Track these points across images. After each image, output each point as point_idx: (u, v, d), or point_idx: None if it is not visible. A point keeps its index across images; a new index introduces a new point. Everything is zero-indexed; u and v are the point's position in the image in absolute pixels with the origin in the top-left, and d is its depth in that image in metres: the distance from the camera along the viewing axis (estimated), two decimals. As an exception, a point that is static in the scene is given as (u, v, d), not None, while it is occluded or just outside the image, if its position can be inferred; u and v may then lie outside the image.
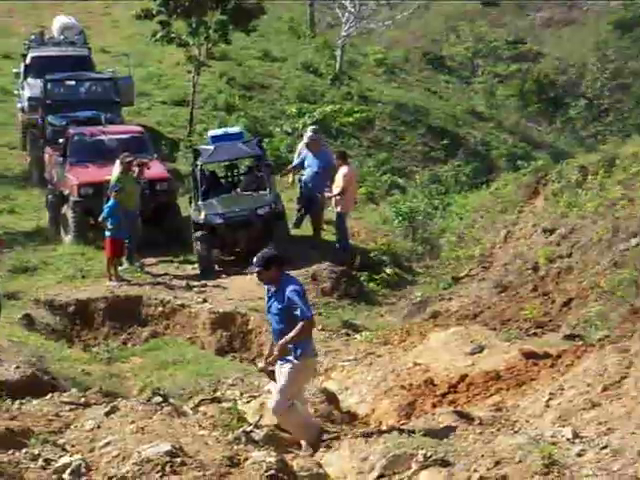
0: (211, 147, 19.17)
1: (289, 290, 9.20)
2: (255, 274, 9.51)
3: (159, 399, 9.64)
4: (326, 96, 32.29)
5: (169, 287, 17.24)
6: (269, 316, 9.59)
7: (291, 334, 9.12)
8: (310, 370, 9.78)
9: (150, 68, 30.74)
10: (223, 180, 20.33)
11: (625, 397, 8.65)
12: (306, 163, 19.08)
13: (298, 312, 9.13)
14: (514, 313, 15.21)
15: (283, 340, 9.18)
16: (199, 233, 18.23)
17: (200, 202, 18.59)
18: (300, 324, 9.10)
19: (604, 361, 9.42)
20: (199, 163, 19.04)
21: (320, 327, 16.09)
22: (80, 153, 20.29)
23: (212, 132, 20.36)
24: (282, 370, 9.39)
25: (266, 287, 9.60)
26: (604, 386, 9.00)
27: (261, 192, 18.91)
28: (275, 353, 9.31)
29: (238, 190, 19.49)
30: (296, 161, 19.96)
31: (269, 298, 9.54)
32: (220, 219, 18.28)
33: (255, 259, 9.43)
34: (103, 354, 15.17)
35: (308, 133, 19.69)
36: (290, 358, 9.30)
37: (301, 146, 20.10)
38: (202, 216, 18.32)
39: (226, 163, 20.55)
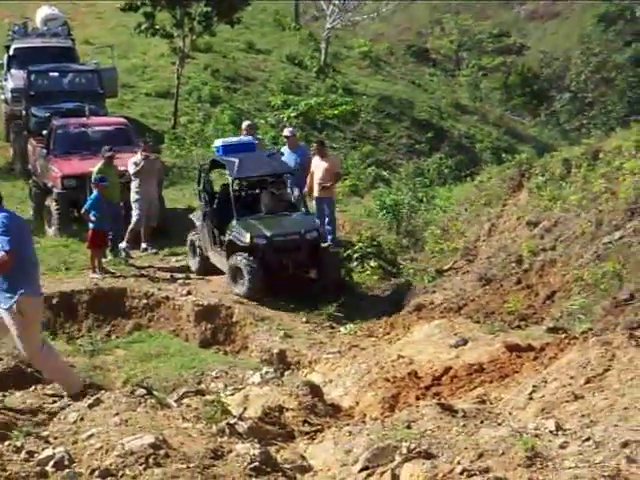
0: (234, 159, 17.48)
1: None
2: None
3: (143, 391, 9.61)
4: (311, 89, 32.29)
5: (153, 279, 17.22)
6: None
7: None
8: (36, 308, 9.85)
9: (134, 60, 30.67)
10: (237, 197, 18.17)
11: (608, 389, 8.68)
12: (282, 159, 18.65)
13: None
14: (498, 306, 15.27)
15: None
16: (244, 255, 16.65)
17: (235, 222, 17.03)
18: None
19: (587, 354, 9.45)
20: (231, 177, 17.41)
21: (304, 320, 16.14)
22: (64, 145, 20.26)
23: (222, 141, 18.59)
24: (7, 317, 9.56)
25: None
26: (587, 378, 9.03)
27: (298, 213, 17.68)
28: None
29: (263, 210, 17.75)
30: None
31: None
32: (267, 242, 16.79)
33: None
34: (87, 346, 15.11)
35: (287, 129, 19.73)
36: (8, 300, 9.48)
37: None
38: (247, 239, 16.74)
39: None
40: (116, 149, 19.38)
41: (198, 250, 17.83)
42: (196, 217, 18.13)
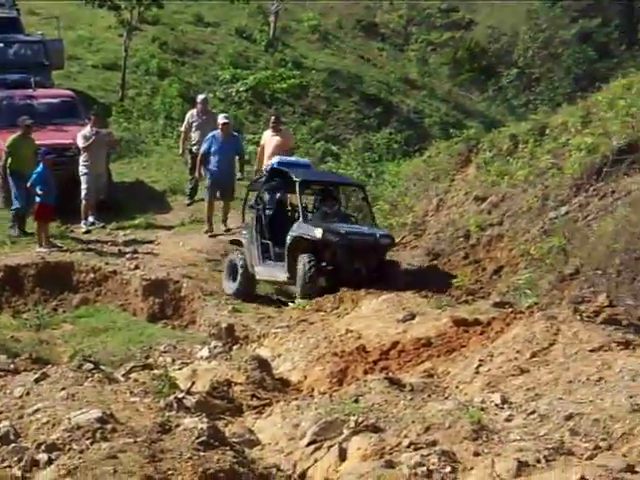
0: (300, 168, 16.76)
1: None
2: None
3: (90, 366, 9.57)
4: (260, 62, 32.10)
5: (100, 254, 17.09)
6: None
7: None
8: None
9: (81, 31, 30.24)
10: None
11: (553, 363, 8.79)
12: (214, 149, 17.83)
13: None
14: (445, 281, 15.37)
15: None
16: (306, 255, 15.16)
17: (302, 220, 15.73)
18: None
19: (533, 328, 9.55)
20: (297, 180, 15.92)
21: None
22: (9, 117, 19.93)
23: (280, 158, 17.13)
24: None
25: None
26: (532, 353, 9.14)
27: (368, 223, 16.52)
28: None
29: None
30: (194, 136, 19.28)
31: None
32: (343, 239, 15.28)
33: None
34: (33, 321, 15.02)
35: (221, 115, 18.79)
36: None
37: (190, 115, 19.66)
38: (318, 233, 15.24)
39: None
40: (63, 121, 19.21)
41: (240, 270, 16.11)
42: (244, 235, 16.53)
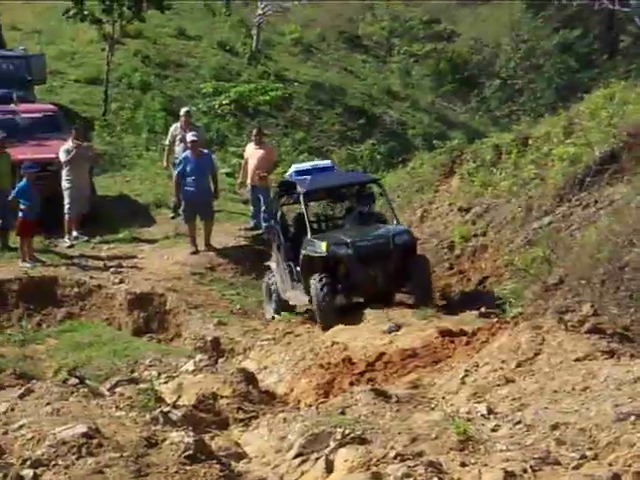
0: (306, 177, 15.30)
1: None
2: None
3: (75, 381, 9.55)
4: (242, 75, 32.13)
5: (84, 268, 17.04)
6: None
7: None
8: None
9: (63, 46, 30.21)
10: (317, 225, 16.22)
11: (538, 373, 8.80)
12: (188, 169, 17.44)
13: None
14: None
15: None
16: (317, 275, 14.02)
17: (310, 236, 14.61)
18: None
19: (518, 338, 9.57)
20: (301, 191, 14.85)
21: (239, 307, 16.12)
22: (-9, 132, 19.91)
23: (296, 166, 16.28)
24: None
25: None
26: (518, 362, 9.15)
27: (387, 225, 15.16)
28: None
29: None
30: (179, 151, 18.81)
31: None
32: (350, 250, 14.09)
33: None
34: (17, 336, 14.95)
35: (190, 134, 18.15)
36: None
37: (174, 129, 19.47)
38: (323, 248, 14.14)
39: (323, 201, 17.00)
40: (46, 136, 19.15)
41: (274, 295, 15.42)
42: (272, 259, 15.77)
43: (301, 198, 14.86)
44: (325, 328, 13.77)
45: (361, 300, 14.65)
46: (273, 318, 15.34)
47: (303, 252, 14.40)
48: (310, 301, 14.35)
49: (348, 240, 14.15)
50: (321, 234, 14.78)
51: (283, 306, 15.33)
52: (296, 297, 14.91)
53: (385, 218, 15.47)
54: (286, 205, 16.40)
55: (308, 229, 14.63)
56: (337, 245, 14.17)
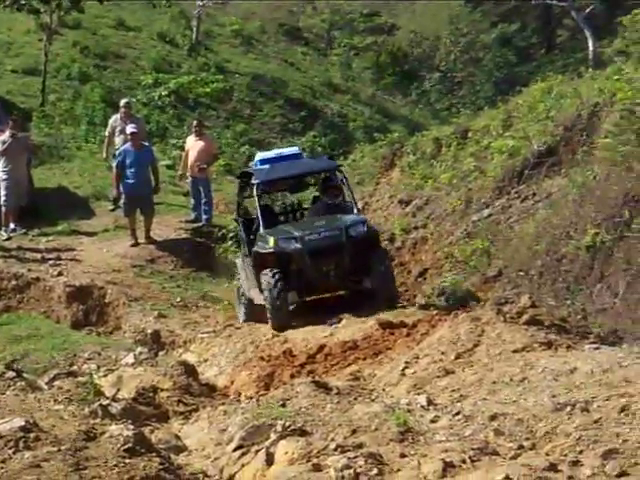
0: (266, 166, 14.47)
1: None
2: None
3: (12, 374, 9.45)
4: (183, 67, 32.00)
5: (22, 260, 16.85)
6: None
7: None
8: None
9: (-1, 35, 29.88)
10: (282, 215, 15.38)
11: (477, 364, 8.88)
12: (128, 161, 17.19)
13: None
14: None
15: None
16: (268, 271, 13.16)
17: (263, 230, 13.72)
18: None
19: (457, 330, 9.64)
20: (255, 182, 14.07)
21: (179, 299, 16.05)
22: None
23: (260, 155, 15.35)
24: None
25: None
26: (457, 354, 9.22)
27: (345, 215, 14.07)
28: None
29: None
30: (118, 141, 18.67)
31: None
32: (298, 244, 13.23)
33: None
34: (-47, 329, 14.77)
35: (130, 125, 17.87)
36: None
37: (113, 120, 19.30)
38: (270, 243, 13.30)
39: (284, 190, 16.04)
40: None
41: (243, 298, 14.51)
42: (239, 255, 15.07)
43: (254, 189, 14.11)
44: (278, 329, 13.02)
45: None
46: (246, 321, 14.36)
47: (254, 248, 13.67)
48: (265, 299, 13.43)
49: (297, 234, 13.32)
50: (273, 228, 13.78)
51: (253, 309, 14.15)
52: (258, 297, 13.83)
53: (351, 208, 14.35)
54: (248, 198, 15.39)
55: (261, 223, 13.79)
56: (285, 240, 13.34)
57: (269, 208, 14.93)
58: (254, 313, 14.02)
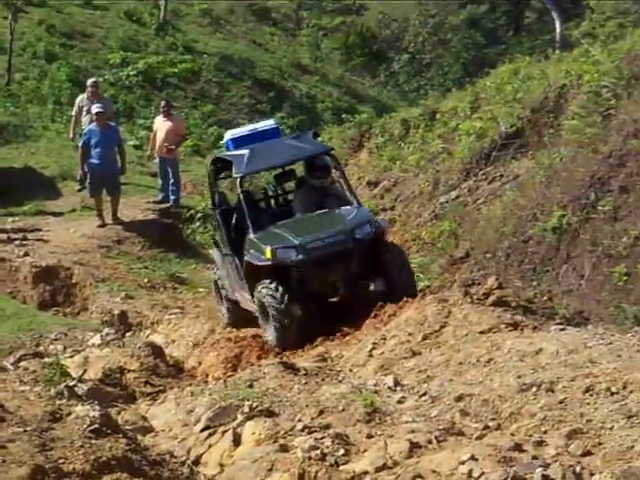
0: (243, 152, 12.35)
1: None
2: None
3: (-22, 356, 9.41)
4: (150, 46, 31.76)
5: (-12, 241, 16.74)
6: None
7: None
8: None
9: (-37, 13, 29.53)
10: (264, 203, 13.76)
11: (444, 345, 8.92)
12: (93, 141, 16.99)
13: None
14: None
15: None
16: (267, 282, 11.35)
17: (252, 235, 11.82)
18: None
19: (424, 311, 9.68)
20: (237, 176, 12.29)
21: (146, 280, 16.00)
22: None
23: (231, 133, 13.39)
24: None
25: None
26: (424, 335, 9.26)
27: (345, 208, 12.18)
28: None
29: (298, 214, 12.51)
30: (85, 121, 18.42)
31: None
32: (300, 255, 11.36)
33: None
34: None
35: (95, 105, 17.53)
36: None
37: (80, 99, 19.16)
38: (267, 255, 11.39)
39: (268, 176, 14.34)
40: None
41: (224, 294, 12.99)
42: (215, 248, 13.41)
43: (237, 184, 12.42)
44: (284, 348, 11.18)
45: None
46: (229, 325, 12.94)
47: (245, 257, 11.82)
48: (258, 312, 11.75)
49: (296, 242, 11.40)
50: (264, 232, 11.84)
51: (238, 312, 12.71)
52: (246, 302, 12.24)
53: (345, 197, 12.49)
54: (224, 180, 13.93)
55: (249, 225, 11.91)
56: (284, 250, 11.44)
57: (249, 195, 13.06)
58: (240, 316, 12.63)
